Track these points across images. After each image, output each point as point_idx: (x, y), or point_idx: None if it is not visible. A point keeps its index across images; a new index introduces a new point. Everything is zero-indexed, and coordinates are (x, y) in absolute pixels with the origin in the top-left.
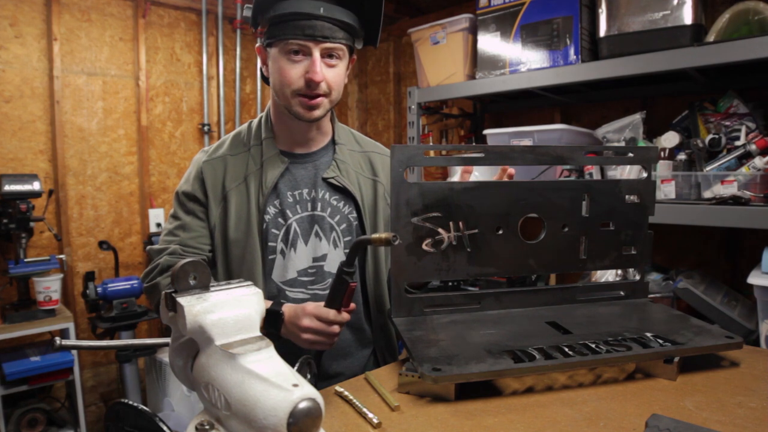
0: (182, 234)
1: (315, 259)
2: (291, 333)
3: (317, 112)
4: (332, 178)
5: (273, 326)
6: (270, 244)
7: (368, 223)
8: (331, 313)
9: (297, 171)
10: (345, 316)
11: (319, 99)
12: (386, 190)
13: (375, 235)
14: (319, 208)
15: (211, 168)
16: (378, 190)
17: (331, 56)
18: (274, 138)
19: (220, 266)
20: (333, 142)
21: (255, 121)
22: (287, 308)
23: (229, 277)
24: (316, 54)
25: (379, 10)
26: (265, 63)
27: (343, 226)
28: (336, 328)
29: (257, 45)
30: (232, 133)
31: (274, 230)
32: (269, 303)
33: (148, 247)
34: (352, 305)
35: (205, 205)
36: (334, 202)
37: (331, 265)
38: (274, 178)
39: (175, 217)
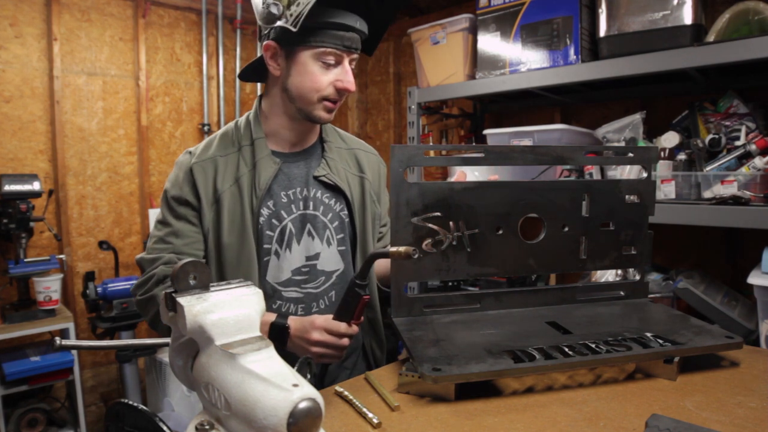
0: (175, 241)
1: (308, 258)
2: (298, 347)
3: (333, 114)
4: (323, 176)
5: (278, 340)
6: (264, 246)
7: (357, 220)
8: (342, 327)
9: (290, 170)
10: (355, 328)
11: (338, 103)
12: (372, 187)
13: (393, 249)
14: (311, 207)
15: (202, 170)
16: (365, 187)
17: (352, 65)
18: (266, 138)
19: (213, 271)
20: (321, 140)
21: (242, 120)
22: (293, 321)
23: (222, 281)
24: (347, 64)
25: (386, 25)
26: (273, 59)
27: (336, 223)
28: (346, 341)
29: (267, 41)
30: (219, 133)
31: (268, 232)
32: (273, 316)
33: (138, 257)
34: (360, 318)
35: (197, 209)
36: (326, 200)
37: (324, 264)
38: (268, 180)
39: (164, 223)
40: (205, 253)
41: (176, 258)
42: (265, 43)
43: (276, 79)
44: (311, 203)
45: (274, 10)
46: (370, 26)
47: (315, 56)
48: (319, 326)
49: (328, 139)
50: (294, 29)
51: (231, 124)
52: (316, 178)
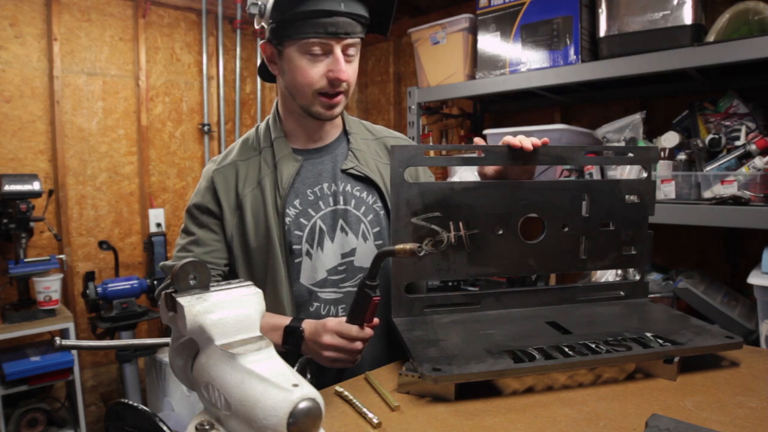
0: (196, 249)
1: (343, 255)
2: (312, 350)
3: (337, 110)
4: (351, 168)
5: (293, 344)
6: (294, 246)
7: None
8: (354, 329)
9: (314, 166)
10: (368, 331)
11: (340, 97)
12: (407, 174)
13: (399, 246)
14: (342, 202)
15: (222, 176)
16: None
17: (349, 52)
18: (286, 136)
19: (243, 277)
20: (345, 132)
21: (262, 124)
22: (307, 324)
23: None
24: (338, 52)
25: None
26: (271, 61)
27: (371, 216)
28: (358, 345)
29: (262, 42)
30: (240, 139)
31: (297, 232)
32: (288, 319)
33: (161, 264)
34: (376, 320)
35: (219, 217)
36: (357, 193)
37: (362, 260)
38: (290, 178)
39: (187, 232)
40: (232, 260)
41: None
42: (260, 44)
43: (279, 79)
44: (341, 198)
45: (253, 10)
46: (376, 4)
47: (300, 49)
48: (331, 329)
49: (352, 131)
50: (267, 26)
51: (252, 129)
52: (344, 171)
